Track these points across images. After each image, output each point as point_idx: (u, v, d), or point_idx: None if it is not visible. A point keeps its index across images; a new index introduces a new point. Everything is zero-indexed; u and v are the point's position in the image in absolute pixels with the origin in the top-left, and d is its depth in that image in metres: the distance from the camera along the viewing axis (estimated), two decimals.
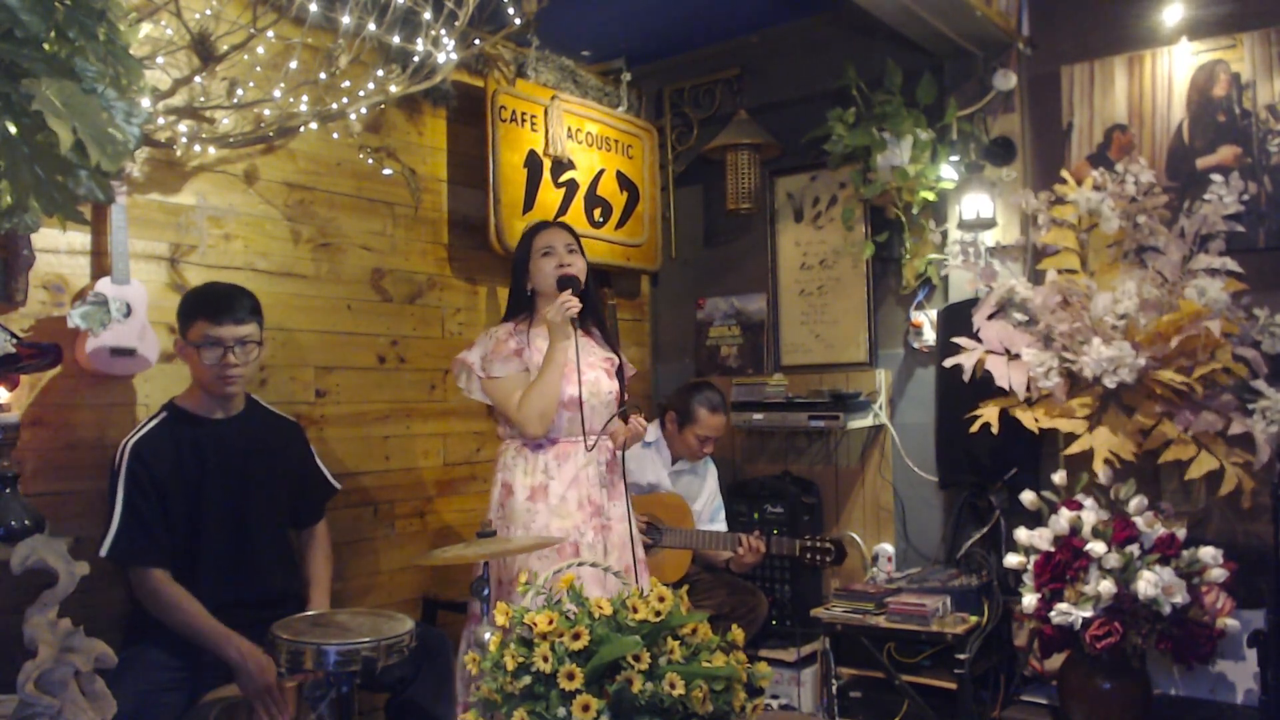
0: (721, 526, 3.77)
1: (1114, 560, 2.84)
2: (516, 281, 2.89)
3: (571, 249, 2.82)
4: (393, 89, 3.00)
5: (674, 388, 4.59)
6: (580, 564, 2.23)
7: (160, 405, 2.57)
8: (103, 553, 2.34)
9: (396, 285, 3.46)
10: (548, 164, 3.78)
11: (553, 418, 2.70)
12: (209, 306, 2.48)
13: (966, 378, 3.28)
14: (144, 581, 2.39)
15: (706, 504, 3.75)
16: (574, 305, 2.66)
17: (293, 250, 3.14)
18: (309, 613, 2.54)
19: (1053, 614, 2.88)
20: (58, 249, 2.56)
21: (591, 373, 2.79)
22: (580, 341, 2.83)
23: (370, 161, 3.34)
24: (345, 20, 2.76)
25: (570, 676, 1.67)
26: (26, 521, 2.19)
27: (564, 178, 3.86)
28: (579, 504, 2.72)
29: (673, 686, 1.66)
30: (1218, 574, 2.85)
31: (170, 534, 2.43)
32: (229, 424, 2.57)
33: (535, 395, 2.68)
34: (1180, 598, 2.79)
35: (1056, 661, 3.10)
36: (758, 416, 3.98)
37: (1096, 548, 2.86)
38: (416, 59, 2.96)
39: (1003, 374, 3.21)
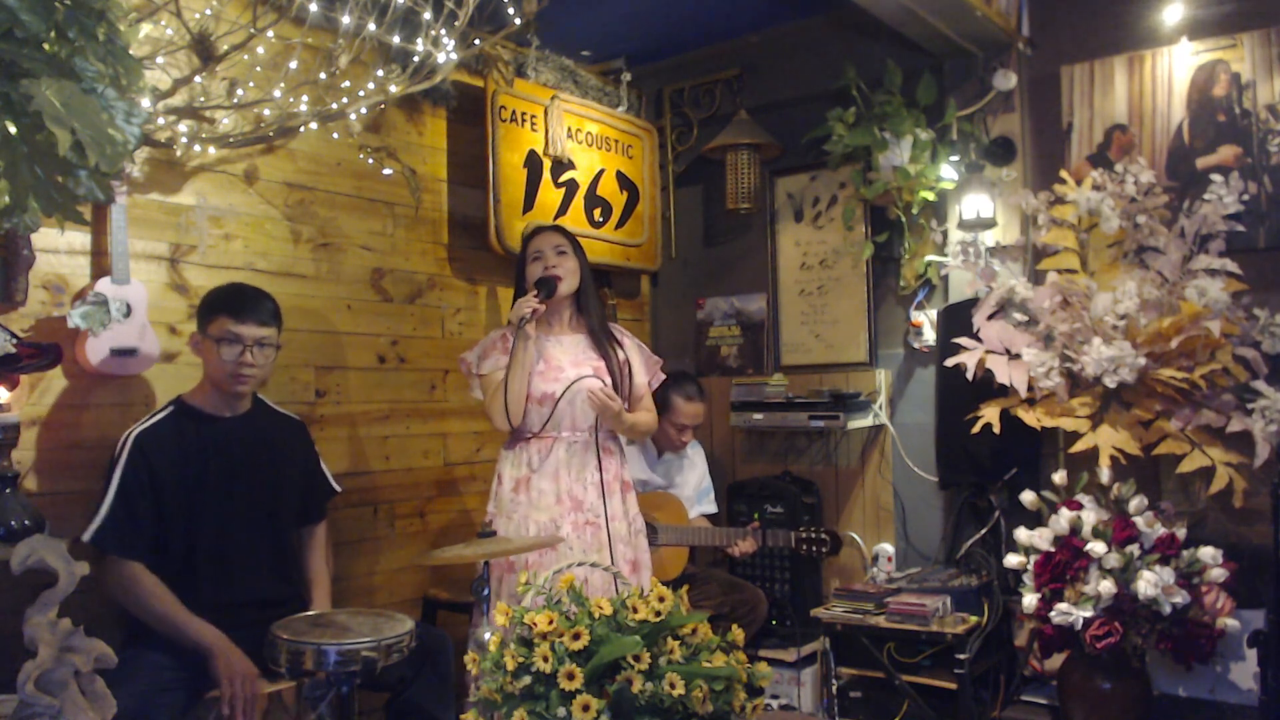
0: (710, 508, 3.80)
1: (1114, 560, 2.84)
2: (518, 286, 2.94)
3: (561, 251, 2.85)
4: (393, 89, 3.00)
5: None
6: (581, 564, 2.23)
7: (168, 400, 2.57)
8: (86, 537, 2.33)
9: (396, 285, 3.46)
10: (548, 164, 3.78)
11: (518, 413, 2.75)
12: (234, 303, 2.52)
13: (970, 377, 3.28)
14: (119, 570, 2.36)
15: (695, 486, 3.77)
16: (528, 305, 2.72)
17: (293, 250, 3.14)
18: (309, 613, 2.54)
19: (1053, 614, 2.88)
20: (58, 249, 2.56)
21: (574, 370, 2.82)
22: (570, 339, 2.89)
23: (370, 161, 3.34)
24: (345, 20, 2.76)
25: (570, 676, 1.68)
26: (26, 521, 2.20)
27: (564, 178, 3.86)
28: (557, 498, 2.76)
29: (673, 686, 1.66)
30: (1218, 574, 2.85)
31: (161, 530, 2.42)
32: (234, 423, 2.58)
33: (498, 392, 2.75)
34: (1180, 598, 2.79)
35: (1056, 661, 3.10)
36: (758, 416, 3.98)
37: (1096, 548, 2.86)
38: (416, 59, 2.96)
39: (1004, 373, 3.21)
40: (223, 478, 2.52)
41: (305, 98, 2.87)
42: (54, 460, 2.54)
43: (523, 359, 2.73)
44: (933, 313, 3.79)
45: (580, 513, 2.77)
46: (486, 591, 2.20)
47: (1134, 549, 2.86)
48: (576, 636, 1.71)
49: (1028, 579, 3.02)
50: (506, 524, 2.76)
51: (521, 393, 2.74)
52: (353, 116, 3.03)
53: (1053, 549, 2.97)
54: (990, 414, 3.24)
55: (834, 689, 3.41)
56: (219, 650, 2.33)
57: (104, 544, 2.36)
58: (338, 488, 2.87)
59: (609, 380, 2.84)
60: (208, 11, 2.71)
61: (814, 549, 3.41)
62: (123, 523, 2.36)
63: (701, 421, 3.75)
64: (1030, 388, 3.19)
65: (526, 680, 1.71)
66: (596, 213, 4.02)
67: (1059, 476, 3.11)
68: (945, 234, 3.79)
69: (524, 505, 2.76)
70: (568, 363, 2.83)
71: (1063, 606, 2.87)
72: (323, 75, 2.89)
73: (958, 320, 3.47)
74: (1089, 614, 2.83)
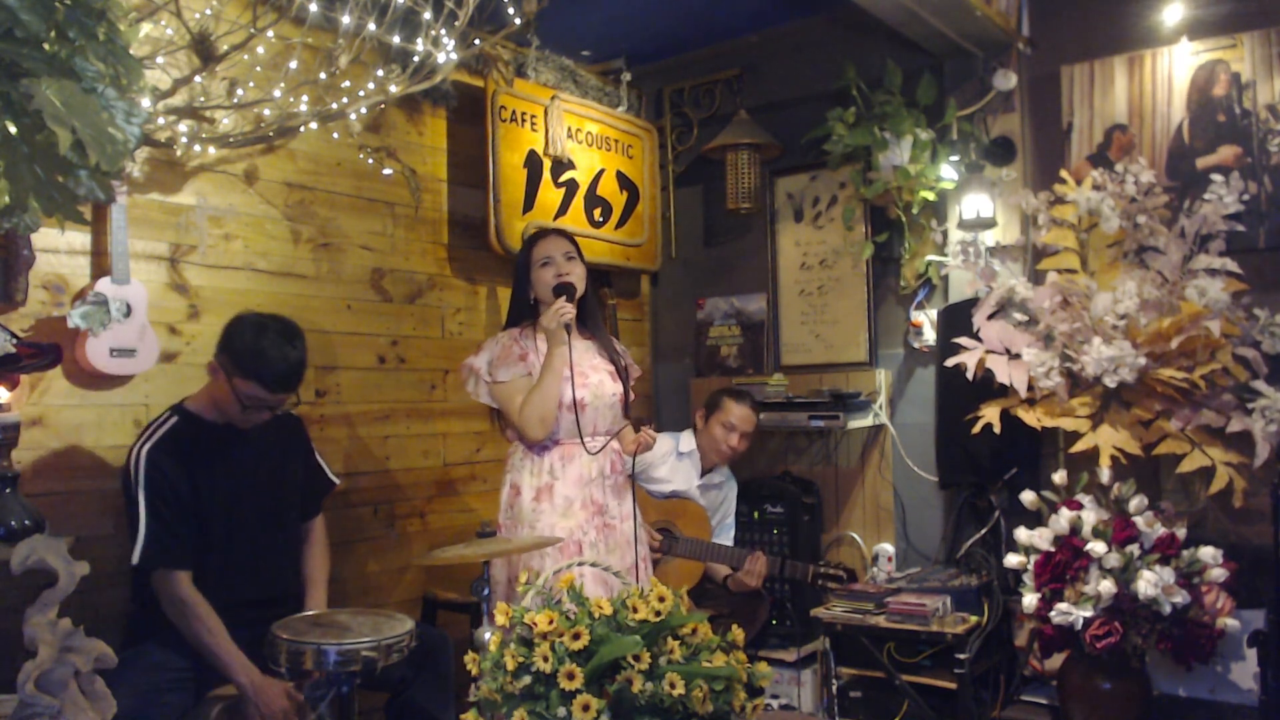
0: (727, 543, 3.74)
1: (1114, 560, 2.83)
2: (518, 288, 2.92)
3: (570, 256, 2.85)
4: (393, 89, 3.00)
5: (673, 387, 4.61)
6: (581, 563, 2.23)
7: (168, 407, 2.55)
8: (134, 561, 2.34)
9: (396, 285, 3.46)
10: (548, 164, 3.78)
11: (553, 422, 2.73)
12: (272, 380, 2.44)
13: (970, 377, 3.28)
14: (170, 585, 2.38)
15: (720, 519, 3.76)
16: (568, 312, 2.70)
17: (293, 250, 3.14)
18: (309, 613, 2.54)
19: (1053, 614, 2.88)
20: (58, 249, 2.56)
21: (595, 375, 2.82)
22: (582, 345, 2.87)
23: (370, 161, 3.34)
24: (345, 20, 2.76)
25: (570, 676, 1.67)
26: (26, 521, 2.19)
27: (564, 177, 3.86)
28: (583, 504, 2.75)
29: (673, 686, 1.66)
30: (1218, 574, 2.85)
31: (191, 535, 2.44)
32: (238, 428, 2.57)
33: (535, 400, 2.72)
34: (1180, 598, 2.79)
35: (1056, 661, 3.10)
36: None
37: (1096, 548, 2.86)
38: (416, 59, 2.96)
39: (1004, 373, 3.21)
40: (232, 483, 2.52)
41: (305, 98, 2.87)
42: (54, 460, 2.54)
43: (561, 367, 2.70)
44: (933, 313, 3.79)
45: (601, 516, 2.78)
46: (487, 591, 2.20)
47: (1134, 549, 2.85)
48: (576, 636, 1.71)
49: (1028, 579, 3.01)
50: (529, 534, 2.72)
51: (556, 400, 2.72)
52: (353, 116, 3.02)
53: (1053, 549, 2.97)
54: (990, 414, 3.24)
55: (834, 689, 3.41)
56: (255, 691, 2.35)
57: (151, 561, 2.37)
58: (336, 480, 2.86)
59: (621, 384, 2.87)
60: (208, 11, 2.71)
61: (829, 584, 3.43)
62: (162, 538, 2.37)
63: (750, 430, 3.67)
64: (1030, 388, 3.19)
65: (526, 680, 1.70)
66: (596, 213, 4.02)
67: (1059, 476, 3.11)
68: (945, 234, 3.79)
69: (548, 513, 2.72)
70: (587, 367, 2.83)
71: (1063, 606, 2.87)
72: (323, 75, 2.89)
73: (958, 320, 3.47)
74: (1089, 614, 2.83)
